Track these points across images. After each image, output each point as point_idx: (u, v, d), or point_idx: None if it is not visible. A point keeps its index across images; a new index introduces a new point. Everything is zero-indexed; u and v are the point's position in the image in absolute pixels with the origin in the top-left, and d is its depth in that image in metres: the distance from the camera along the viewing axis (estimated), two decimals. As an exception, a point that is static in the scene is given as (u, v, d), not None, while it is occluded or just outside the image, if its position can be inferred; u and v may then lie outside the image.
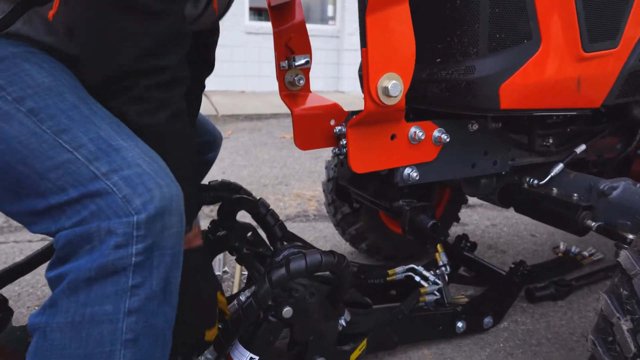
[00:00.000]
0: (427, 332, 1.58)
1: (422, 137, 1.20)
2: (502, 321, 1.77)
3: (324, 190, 2.19)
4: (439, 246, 1.59)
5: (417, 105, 1.34)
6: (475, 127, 1.33)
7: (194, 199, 1.06)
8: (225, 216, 1.53)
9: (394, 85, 1.01)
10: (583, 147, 1.49)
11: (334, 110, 1.46)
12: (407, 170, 1.24)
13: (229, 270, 2.11)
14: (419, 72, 1.28)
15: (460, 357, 1.60)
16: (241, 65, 7.77)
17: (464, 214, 2.89)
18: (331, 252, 1.11)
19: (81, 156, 0.80)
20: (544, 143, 1.48)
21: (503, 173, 1.52)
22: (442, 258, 1.61)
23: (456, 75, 1.17)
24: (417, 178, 1.24)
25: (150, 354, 0.82)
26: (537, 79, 1.16)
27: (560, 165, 1.47)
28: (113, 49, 0.83)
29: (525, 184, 1.52)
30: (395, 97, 1.03)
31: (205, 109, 6.09)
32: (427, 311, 1.55)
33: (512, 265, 1.69)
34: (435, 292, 1.57)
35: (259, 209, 1.55)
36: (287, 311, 1.14)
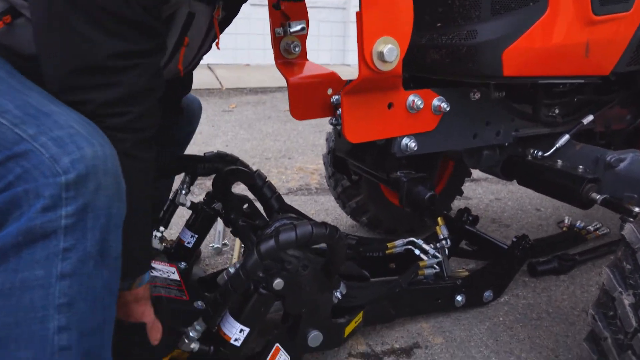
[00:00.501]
0: (425, 305, 1.56)
1: (421, 106, 1.15)
2: (503, 295, 1.75)
3: (324, 163, 2.15)
4: (439, 219, 1.56)
5: (416, 73, 1.29)
6: (477, 95, 1.27)
7: (144, 249, 1.02)
8: (220, 188, 1.51)
9: (389, 50, 0.96)
10: (590, 117, 1.43)
11: (331, 79, 1.42)
12: (405, 141, 1.20)
13: (228, 243, 2.09)
14: (418, 37, 1.22)
15: (459, 331, 1.58)
16: (245, 38, 7.63)
17: (467, 187, 2.85)
18: (323, 224, 1.08)
19: (5, 120, 0.77)
20: (550, 113, 1.42)
21: (506, 144, 1.47)
22: (442, 231, 1.58)
23: (457, 40, 1.11)
24: (416, 149, 1.20)
25: (88, 318, 0.79)
26: (543, 44, 1.10)
27: (566, 137, 1.42)
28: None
29: (529, 156, 1.48)
30: (391, 62, 0.98)
31: (209, 82, 6.02)
32: (426, 284, 1.53)
33: (515, 239, 1.66)
34: (435, 266, 1.54)
35: (255, 180, 1.52)
36: (277, 283, 1.12)
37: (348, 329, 1.33)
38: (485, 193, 2.87)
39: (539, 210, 2.62)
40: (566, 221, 2.32)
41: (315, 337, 1.25)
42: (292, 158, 3.39)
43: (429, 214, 1.23)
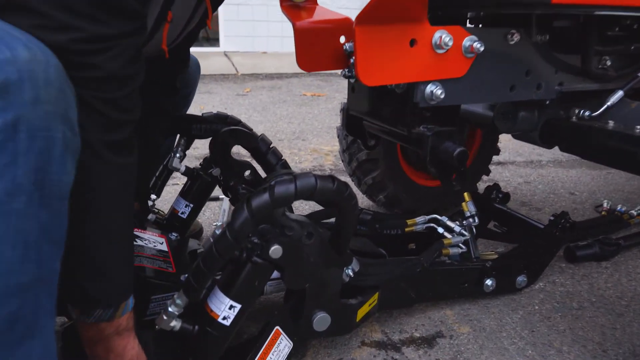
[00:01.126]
0: (449, 289, 1.36)
1: (450, 44, 0.96)
2: (537, 281, 1.55)
3: (338, 137, 1.98)
4: (466, 195, 1.36)
5: (442, 11, 1.09)
6: (516, 38, 1.07)
7: (125, 269, 0.84)
8: (219, 151, 1.34)
9: (413, -41, 0.77)
10: (649, 70, 1.22)
11: (344, 25, 1.23)
12: (430, 87, 1.00)
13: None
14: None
15: (488, 319, 1.38)
16: (264, 25, 7.49)
17: (494, 170, 2.64)
18: (330, 177, 0.90)
19: None
20: (600, 65, 1.21)
21: (547, 102, 1.26)
22: (469, 208, 1.38)
23: (496, -40, 0.92)
24: (443, 97, 1.00)
25: (15, 270, 0.60)
26: (602, -38, 0.90)
27: (620, 93, 1.21)
28: None
29: (574, 117, 1.27)
30: (416, -24, 0.79)
31: (225, 68, 5.88)
32: (451, 265, 1.33)
33: (552, 218, 1.45)
34: (461, 245, 1.35)
35: (258, 144, 1.35)
36: (275, 250, 0.94)
37: (361, 312, 1.15)
38: (512, 176, 2.65)
39: (573, 194, 2.39)
40: (605, 205, 2.09)
41: (321, 320, 1.06)
42: (306, 140, 3.22)
43: (459, 176, 1.04)
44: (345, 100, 1.72)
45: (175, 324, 0.93)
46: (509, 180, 2.58)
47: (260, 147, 1.36)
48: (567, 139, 1.27)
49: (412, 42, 0.95)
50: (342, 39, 1.22)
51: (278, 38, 7.60)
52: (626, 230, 1.90)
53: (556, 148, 1.39)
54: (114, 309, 0.82)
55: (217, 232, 0.98)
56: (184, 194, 1.40)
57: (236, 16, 7.17)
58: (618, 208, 2.02)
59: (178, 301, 0.92)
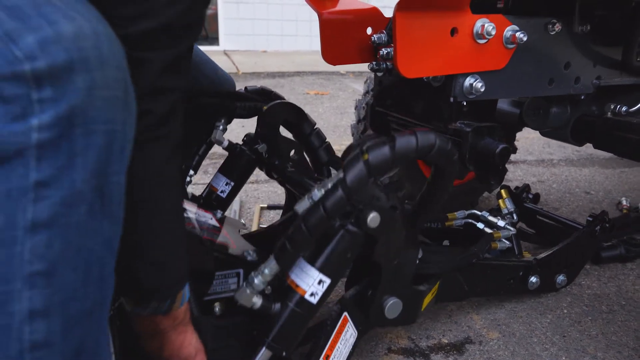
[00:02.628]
0: (497, 285, 1.31)
1: (493, 33, 0.90)
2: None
3: (353, 134, 1.92)
4: (503, 191, 1.30)
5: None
6: (558, 28, 1.02)
7: (180, 253, 0.73)
8: (267, 125, 1.22)
9: (465, -61, 0.71)
10: (689, 64, 1.17)
11: (372, 16, 1.17)
12: (470, 80, 0.95)
13: (245, 223, 1.87)
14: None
15: (517, 324, 1.33)
16: (263, 23, 7.43)
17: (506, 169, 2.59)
18: (445, 137, 0.81)
19: None
20: (639, 59, 1.16)
21: (582, 97, 1.21)
22: (507, 205, 1.33)
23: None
24: (483, 90, 0.95)
25: (78, 293, 0.51)
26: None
27: (659, 88, 1.16)
28: None
29: (609, 113, 1.22)
30: (467, -43, 0.73)
31: (225, 67, 5.79)
32: (498, 260, 1.29)
33: (590, 218, 1.41)
34: (505, 240, 1.29)
35: (304, 123, 1.26)
36: (373, 218, 0.82)
37: (425, 301, 1.06)
38: (526, 175, 2.60)
39: (589, 194, 2.35)
40: (624, 202, 2.04)
41: (394, 306, 0.96)
42: (313, 138, 3.15)
43: (496, 173, 0.98)
44: (355, 98, 1.65)
45: (257, 300, 0.81)
46: (522, 179, 2.53)
47: (306, 127, 1.27)
48: (603, 135, 1.22)
49: (453, 32, 0.89)
50: (369, 31, 1.17)
51: (278, 37, 7.54)
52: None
53: (566, 146, 1.34)
54: (170, 301, 0.73)
55: (316, 191, 0.81)
56: (224, 170, 1.26)
57: (236, 14, 7.10)
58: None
59: (266, 271, 0.80)
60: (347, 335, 0.93)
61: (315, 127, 1.28)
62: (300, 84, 5.11)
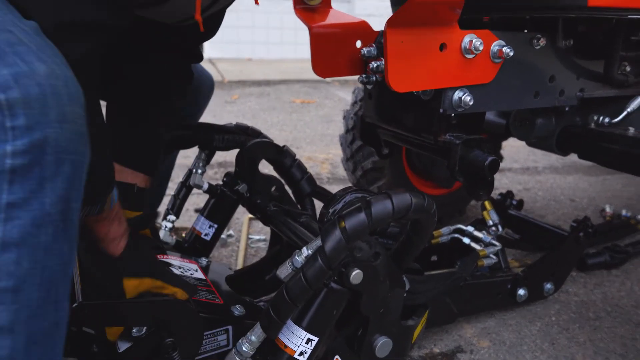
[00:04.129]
0: (486, 301, 1.34)
1: (480, 48, 0.92)
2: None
3: (341, 144, 1.93)
4: (487, 203, 1.32)
5: (469, 15, 1.05)
6: (542, 43, 1.04)
7: (107, 162, 0.78)
8: (246, 166, 1.24)
9: (454, -42, 0.73)
10: (669, 76, 1.20)
11: (361, 30, 1.18)
12: (459, 94, 0.96)
13: (233, 234, 1.86)
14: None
15: (507, 332, 1.34)
16: (248, 31, 7.43)
17: (493, 177, 2.62)
18: (420, 193, 0.84)
19: None
20: (621, 71, 1.19)
21: (566, 109, 1.24)
22: (492, 216, 1.34)
23: (529, -39, 0.89)
24: (472, 103, 0.96)
25: (40, 312, 0.53)
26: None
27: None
28: None
29: (593, 124, 1.24)
30: (456, -24, 0.75)
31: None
32: (486, 277, 1.30)
33: (574, 224, 1.45)
34: (492, 255, 1.31)
35: (285, 157, 1.28)
36: (356, 275, 0.84)
37: (415, 333, 1.08)
38: (511, 183, 2.64)
39: (574, 201, 2.39)
40: (608, 209, 2.08)
41: (384, 345, 0.98)
42: (300, 147, 3.16)
43: (487, 186, 0.99)
44: (342, 108, 1.66)
45: None
46: (508, 187, 2.56)
47: (286, 161, 1.28)
48: (586, 146, 1.24)
49: (442, 47, 0.91)
50: (359, 44, 1.18)
51: (263, 45, 7.56)
52: (632, 237, 1.88)
53: (551, 154, 1.38)
54: (100, 205, 0.76)
55: (298, 259, 0.84)
56: (207, 213, 1.28)
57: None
58: (623, 213, 2.01)
59: (253, 338, 0.83)
60: None
61: (295, 159, 1.30)
62: (286, 92, 5.12)
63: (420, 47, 0.88)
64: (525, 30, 1.05)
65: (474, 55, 0.94)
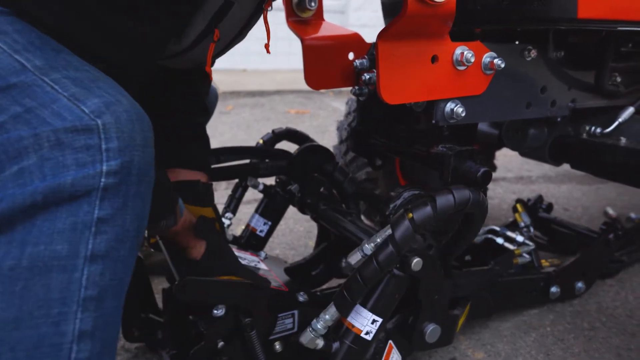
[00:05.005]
0: (520, 297, 1.42)
1: (472, 60, 0.92)
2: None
3: (335, 155, 1.93)
4: (518, 205, 1.44)
5: (461, 27, 1.06)
6: (533, 54, 1.05)
7: (165, 177, 0.90)
8: (298, 167, 1.34)
9: (445, -28, 0.73)
10: (659, 87, 1.21)
11: (354, 41, 1.19)
12: (451, 105, 0.97)
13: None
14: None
15: (502, 344, 1.34)
16: (243, 42, 7.44)
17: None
18: (476, 189, 0.92)
19: (2, 44, 0.57)
20: (611, 82, 1.20)
21: (558, 119, 1.24)
22: (523, 218, 1.44)
23: (519, -25, 0.90)
24: (464, 115, 0.97)
25: (114, 320, 0.59)
26: (628, -22, 0.88)
27: (631, 109, 1.21)
28: None
29: (585, 134, 1.25)
30: (446, -10, 0.75)
31: (205, 86, 5.77)
32: (520, 275, 1.39)
33: (603, 227, 1.56)
34: (525, 255, 1.41)
35: (330, 161, 1.36)
36: (417, 262, 0.94)
37: (460, 322, 1.17)
38: (506, 193, 2.64)
39: (568, 210, 2.39)
40: (610, 211, 2.09)
41: (433, 332, 1.08)
42: (295, 158, 3.16)
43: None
44: (337, 118, 1.68)
45: (319, 342, 0.92)
46: (503, 197, 2.57)
47: (329, 165, 1.36)
48: (579, 156, 1.25)
49: (434, 59, 0.91)
50: (351, 56, 1.18)
51: (258, 55, 7.57)
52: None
53: (544, 164, 1.42)
54: (174, 216, 0.88)
55: (367, 245, 0.94)
56: (261, 211, 1.38)
57: (215, 34, 7.11)
58: (632, 216, 2.01)
59: (327, 317, 0.91)
60: None
61: (338, 164, 1.39)
62: (281, 102, 5.13)
63: (411, 59, 0.88)
64: (517, 42, 1.05)
65: (465, 67, 0.94)
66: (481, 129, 1.41)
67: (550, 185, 2.77)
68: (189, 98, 1.19)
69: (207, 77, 1.20)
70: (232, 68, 7.48)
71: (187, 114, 1.18)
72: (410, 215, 0.88)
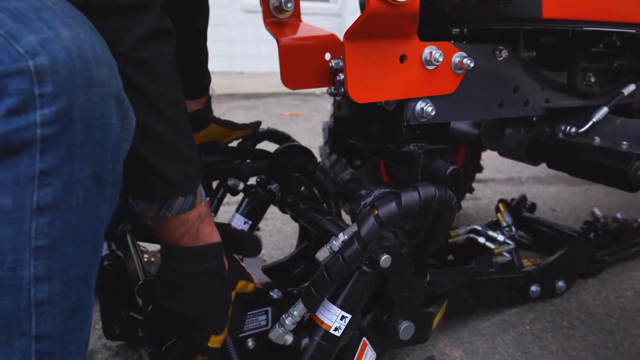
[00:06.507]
0: (500, 296, 1.43)
1: (440, 60, 0.94)
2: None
3: (320, 156, 1.94)
4: (501, 205, 1.45)
5: (431, 27, 1.08)
6: (504, 54, 1.06)
7: (194, 152, 0.80)
8: (279, 166, 1.34)
9: (405, -27, 0.75)
10: (632, 87, 1.23)
11: (330, 42, 1.20)
12: (421, 104, 0.98)
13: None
14: (435, -20, 1.02)
15: (480, 342, 1.35)
16: (240, 45, 7.49)
17: (475, 188, 2.64)
18: (443, 186, 0.93)
19: None
20: (585, 82, 1.22)
21: (534, 119, 1.26)
22: (505, 218, 1.46)
23: (485, -25, 0.91)
24: (434, 114, 0.98)
25: (75, 262, 0.60)
26: (591, -22, 0.90)
27: (605, 109, 1.21)
28: None
29: (560, 134, 1.26)
30: (407, -10, 0.76)
31: (201, 88, 5.79)
32: (501, 273, 1.40)
33: (584, 226, 1.57)
34: (505, 254, 1.42)
35: (310, 161, 1.37)
36: (385, 259, 0.95)
37: (435, 321, 1.17)
38: (494, 194, 2.65)
39: (555, 211, 2.41)
40: (597, 212, 2.10)
41: (407, 329, 1.09)
42: (286, 159, 3.17)
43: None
44: (326, 119, 1.70)
45: (288, 338, 0.93)
46: (491, 198, 2.58)
47: (311, 164, 1.37)
48: (554, 155, 1.26)
49: (402, 58, 0.92)
50: (328, 56, 1.20)
51: (255, 58, 7.60)
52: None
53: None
54: (193, 195, 0.79)
55: (334, 242, 0.94)
56: (242, 211, 1.39)
57: (212, 36, 7.13)
58: (618, 216, 2.02)
59: (295, 313, 0.93)
60: (367, 357, 1.05)
61: (318, 162, 1.40)
62: (275, 105, 5.15)
63: (379, 59, 0.90)
64: (489, 42, 1.07)
65: (435, 67, 0.96)
66: (462, 129, 1.43)
67: (539, 186, 2.79)
68: (186, 18, 1.14)
69: None
70: (229, 70, 7.52)
71: (184, 38, 1.11)
72: (376, 212, 0.88)
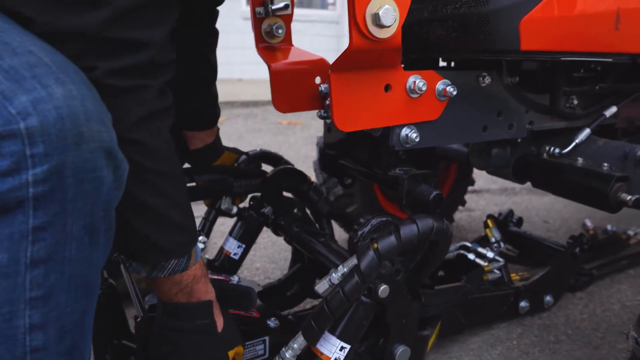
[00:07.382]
0: (491, 313, 1.46)
1: (424, 89, 0.97)
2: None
3: (314, 170, 1.97)
4: (489, 221, 1.47)
5: (416, 55, 1.11)
6: (487, 80, 1.10)
7: (189, 214, 0.83)
8: (272, 190, 1.36)
9: (386, 11, 0.78)
10: (614, 109, 1.26)
11: (320, 66, 1.24)
12: (405, 131, 1.01)
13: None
14: (419, 11, 1.05)
15: (468, 357, 1.38)
16: (239, 52, 7.53)
17: (469, 199, 2.67)
18: (439, 216, 0.95)
19: None
20: (568, 104, 1.25)
21: (519, 140, 1.29)
22: (494, 234, 1.49)
23: (466, 9, 0.94)
24: (418, 140, 1.01)
25: (69, 311, 0.61)
26: (566, 12, 0.93)
27: (587, 131, 1.25)
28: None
29: (545, 154, 1.30)
30: (389, 27, 0.80)
31: (200, 96, 5.83)
32: (490, 291, 1.42)
33: (570, 240, 1.60)
34: (495, 270, 1.44)
35: (303, 183, 1.39)
36: (383, 290, 0.96)
37: (429, 343, 1.19)
38: (488, 204, 2.69)
39: (547, 222, 2.44)
40: (588, 223, 2.14)
41: (403, 353, 1.09)
42: (283, 170, 3.20)
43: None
44: (322, 133, 1.73)
45: None
46: (484, 208, 2.61)
47: (304, 185, 1.39)
48: (540, 175, 1.29)
49: (387, 88, 0.96)
50: (318, 80, 1.23)
51: (254, 65, 7.63)
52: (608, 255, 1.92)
53: None
54: (187, 257, 0.81)
55: (334, 275, 0.97)
56: (235, 234, 1.40)
57: (211, 44, 7.19)
58: (609, 228, 2.06)
59: (295, 346, 0.94)
60: None
61: (311, 182, 1.42)
62: (274, 113, 5.18)
63: (364, 89, 0.93)
64: (472, 69, 1.10)
65: (419, 95, 0.99)
66: (452, 148, 1.46)
67: (533, 197, 2.82)
68: (198, 57, 1.22)
69: (215, 35, 1.25)
70: (228, 78, 7.56)
71: (197, 74, 1.22)
72: (375, 245, 0.90)
